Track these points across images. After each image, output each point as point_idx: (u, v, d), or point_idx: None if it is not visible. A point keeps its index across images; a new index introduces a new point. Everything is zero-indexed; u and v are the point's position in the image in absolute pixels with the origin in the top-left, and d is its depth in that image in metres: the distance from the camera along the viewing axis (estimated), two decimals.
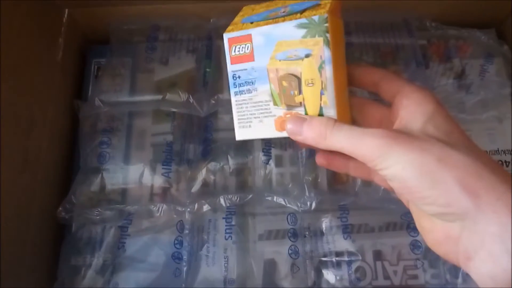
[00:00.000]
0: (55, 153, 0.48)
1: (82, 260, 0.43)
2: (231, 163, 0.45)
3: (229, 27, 0.29)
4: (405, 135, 0.24)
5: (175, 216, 0.44)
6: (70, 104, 0.50)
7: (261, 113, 0.29)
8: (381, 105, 0.30)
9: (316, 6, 0.27)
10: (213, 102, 0.47)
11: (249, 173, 0.46)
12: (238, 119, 0.29)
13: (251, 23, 0.28)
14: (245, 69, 0.28)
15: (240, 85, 0.29)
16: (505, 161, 0.47)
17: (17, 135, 0.41)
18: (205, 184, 0.46)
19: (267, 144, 0.46)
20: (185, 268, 0.43)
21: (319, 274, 0.43)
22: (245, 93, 0.29)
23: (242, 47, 0.28)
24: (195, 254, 0.43)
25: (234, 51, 0.28)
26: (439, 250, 0.25)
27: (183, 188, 0.46)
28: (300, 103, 0.27)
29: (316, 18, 0.25)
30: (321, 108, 0.27)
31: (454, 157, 0.23)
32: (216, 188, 0.46)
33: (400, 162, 0.23)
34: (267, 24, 0.27)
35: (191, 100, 0.47)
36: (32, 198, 0.43)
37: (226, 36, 0.28)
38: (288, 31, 0.26)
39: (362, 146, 0.24)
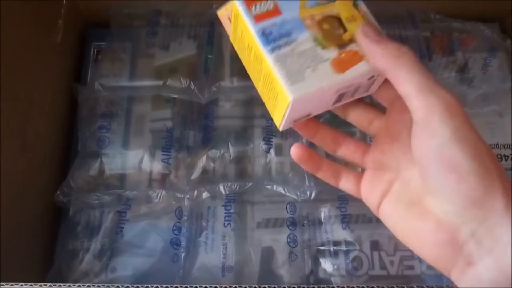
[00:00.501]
0: (53, 136, 0.47)
1: (80, 244, 0.43)
2: (232, 151, 0.45)
3: None
4: (464, 112, 0.23)
5: (174, 202, 0.44)
6: (69, 87, 0.49)
7: (312, 61, 0.25)
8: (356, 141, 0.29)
9: None
10: (215, 89, 0.46)
11: (249, 161, 0.46)
12: (286, 75, 0.25)
13: None
14: (275, 24, 0.26)
15: (274, 40, 0.26)
16: (504, 155, 0.47)
17: (15, 117, 0.41)
18: (204, 171, 0.45)
19: (268, 132, 0.46)
20: (183, 254, 0.43)
21: (316, 262, 0.43)
22: (284, 47, 0.25)
23: (264, 4, 0.26)
24: (194, 240, 0.43)
25: (255, 10, 0.26)
26: (430, 254, 0.24)
27: (182, 174, 0.46)
28: (350, 39, 0.25)
29: None
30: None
31: (492, 165, 0.22)
32: (215, 175, 0.46)
33: (454, 136, 0.22)
34: None
35: (192, 86, 0.46)
36: (30, 181, 0.43)
37: None
38: None
39: (425, 101, 0.22)
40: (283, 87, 0.25)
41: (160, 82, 0.48)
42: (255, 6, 0.26)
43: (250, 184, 0.44)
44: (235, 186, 0.44)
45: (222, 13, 0.28)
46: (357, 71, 0.25)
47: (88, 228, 0.43)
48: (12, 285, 0.31)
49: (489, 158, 0.22)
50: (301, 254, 0.43)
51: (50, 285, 0.31)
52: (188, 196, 0.44)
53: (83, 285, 0.31)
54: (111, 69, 0.49)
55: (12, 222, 0.40)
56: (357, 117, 0.29)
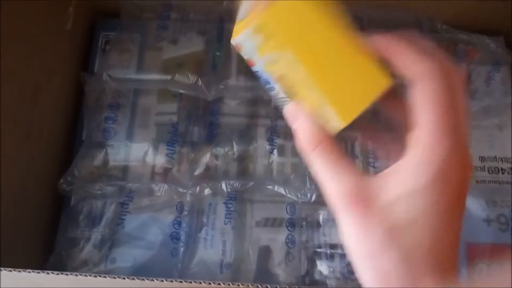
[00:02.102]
0: (58, 124, 0.48)
1: (81, 233, 0.43)
2: (236, 149, 0.46)
3: (233, 33, 0.26)
4: (363, 202, 0.21)
5: (175, 197, 0.45)
6: (76, 75, 0.49)
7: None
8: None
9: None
10: (222, 87, 0.47)
11: (251, 160, 0.47)
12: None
13: (238, 24, 0.25)
14: (257, 71, 0.26)
15: (265, 83, 0.27)
16: (502, 168, 0.48)
17: (22, 102, 0.41)
18: (207, 168, 0.46)
19: (272, 133, 0.47)
20: (182, 249, 0.43)
21: (312, 264, 0.44)
22: (271, 90, 0.27)
23: (243, 53, 0.25)
24: (194, 235, 0.43)
25: (243, 56, 0.26)
26: None
27: (185, 169, 0.46)
28: (302, 102, 0.25)
29: (260, 20, 0.23)
30: (317, 107, 0.24)
31: (382, 260, 0.20)
32: (217, 172, 0.46)
33: (344, 229, 0.22)
34: (241, 29, 0.24)
35: (200, 83, 0.47)
36: (33, 167, 0.43)
37: (232, 42, 0.26)
38: (252, 38, 0.23)
39: (327, 190, 0.22)
40: None
41: (168, 77, 0.48)
42: (241, 53, 0.26)
43: (252, 183, 0.44)
44: (237, 184, 0.44)
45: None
46: None
47: (89, 218, 0.44)
48: (10, 270, 0.31)
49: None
50: (298, 255, 0.44)
51: (48, 273, 0.31)
52: (190, 191, 0.44)
53: (81, 275, 0.32)
54: (118, 60, 0.50)
55: (14, 208, 0.40)
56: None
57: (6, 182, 0.39)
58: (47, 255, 0.43)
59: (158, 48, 0.50)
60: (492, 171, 0.48)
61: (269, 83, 0.26)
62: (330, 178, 0.22)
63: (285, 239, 0.44)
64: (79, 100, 0.50)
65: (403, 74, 0.21)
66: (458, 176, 0.20)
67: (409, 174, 0.20)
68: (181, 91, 0.47)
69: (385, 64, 0.23)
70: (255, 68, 0.26)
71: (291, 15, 0.23)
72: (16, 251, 0.41)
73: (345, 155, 0.23)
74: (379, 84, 0.23)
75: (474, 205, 0.45)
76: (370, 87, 0.23)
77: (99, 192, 0.44)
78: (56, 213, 0.46)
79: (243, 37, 0.24)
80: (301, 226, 0.45)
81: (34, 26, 0.43)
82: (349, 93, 0.23)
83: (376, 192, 0.21)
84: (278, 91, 0.26)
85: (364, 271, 0.21)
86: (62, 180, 0.44)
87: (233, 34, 0.25)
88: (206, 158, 0.45)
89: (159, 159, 0.46)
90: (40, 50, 0.44)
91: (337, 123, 0.23)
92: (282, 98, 0.26)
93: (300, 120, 0.24)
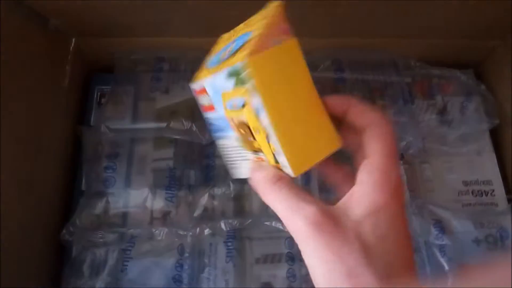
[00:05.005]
0: (58, 176, 0.49)
1: (85, 284, 0.44)
2: (232, 188, 0.48)
3: (197, 73, 0.27)
4: (331, 225, 0.22)
5: (176, 239, 0.46)
6: (73, 129, 0.51)
7: (239, 156, 0.28)
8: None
9: (245, 44, 0.24)
10: None
11: (247, 198, 0.49)
12: (227, 160, 0.29)
13: (208, 69, 0.26)
14: (214, 118, 0.27)
15: (215, 131, 0.28)
16: (484, 191, 0.51)
17: (23, 156, 0.43)
18: (205, 209, 0.47)
19: None
20: None
21: None
22: (222, 139, 0.28)
23: (204, 98, 0.27)
24: (196, 277, 0.44)
25: (201, 101, 0.27)
26: None
27: (183, 212, 0.48)
28: (259, 148, 0.26)
29: (238, 65, 0.23)
30: (274, 154, 0.25)
31: (364, 278, 0.21)
32: (214, 212, 0.48)
33: (314, 257, 0.22)
34: (211, 73, 0.25)
35: (194, 128, 0.49)
36: (34, 220, 0.44)
37: (191, 86, 0.27)
38: (223, 82, 0.24)
39: (291, 222, 0.23)
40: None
41: (163, 124, 0.50)
42: (200, 97, 0.27)
43: (250, 220, 0.46)
44: (235, 222, 0.46)
45: None
46: None
47: (93, 267, 0.44)
48: None
49: (340, 278, 0.21)
50: None
51: None
52: (191, 233, 0.45)
53: None
54: (114, 111, 0.52)
55: (17, 260, 0.41)
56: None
57: (8, 235, 0.39)
58: None
59: (151, 98, 0.53)
60: (476, 194, 0.51)
61: (221, 131, 0.28)
62: (295, 209, 0.23)
63: (286, 274, 0.45)
64: (76, 152, 0.51)
65: (356, 122, 0.25)
66: (402, 189, 0.24)
67: (370, 194, 0.23)
68: (177, 136, 0.49)
69: (341, 121, 0.26)
70: (212, 114, 0.27)
71: (274, 64, 0.24)
72: None
73: (303, 189, 0.25)
74: (332, 145, 0.25)
75: (463, 228, 0.47)
76: (324, 146, 0.25)
77: (101, 240, 0.45)
78: (57, 264, 0.46)
79: (214, 79, 0.25)
80: (300, 260, 0.46)
81: (32, 83, 0.45)
82: (305, 148, 0.25)
83: (343, 212, 0.23)
84: (231, 139, 0.27)
85: None
86: (64, 231, 0.45)
87: (198, 77, 0.27)
88: (204, 199, 0.47)
89: (158, 204, 0.47)
90: (38, 106, 0.46)
91: (290, 173, 0.25)
92: (233, 147, 0.28)
93: (260, 166, 0.26)
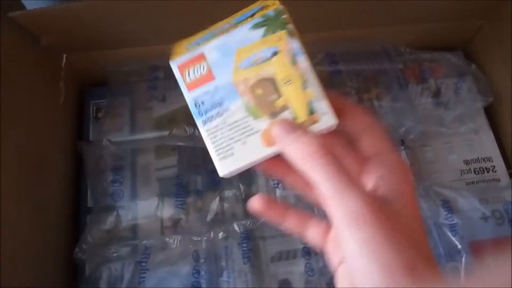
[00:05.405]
0: (63, 193, 0.48)
1: None
2: (242, 189, 0.48)
3: (173, 55, 0.26)
4: (390, 214, 0.21)
5: (190, 246, 0.46)
6: (72, 145, 0.51)
7: (242, 133, 0.25)
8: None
9: (263, 8, 0.25)
10: None
11: None
12: (216, 150, 0.25)
13: (198, 44, 0.25)
14: (207, 92, 0.25)
15: (206, 111, 0.25)
16: (486, 168, 0.52)
17: (27, 178, 0.42)
18: (216, 212, 0.47)
19: None
20: None
21: None
22: (215, 118, 0.25)
23: (197, 69, 0.25)
24: (215, 281, 0.44)
25: (189, 77, 0.25)
26: None
27: (193, 218, 0.48)
28: (284, 106, 0.24)
29: (271, 13, 0.24)
30: (310, 103, 0.24)
31: (425, 272, 0.20)
32: (225, 215, 0.48)
33: (368, 245, 0.20)
34: (217, 36, 0.25)
35: (197, 133, 0.49)
36: (45, 241, 0.44)
37: (173, 63, 0.25)
38: (245, 36, 0.24)
39: (343, 202, 0.21)
40: (214, 161, 0.25)
41: (162, 133, 0.50)
42: (188, 72, 0.25)
43: (262, 220, 0.46)
44: (248, 223, 0.46)
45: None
46: None
47: (110, 282, 0.44)
48: None
49: (400, 270, 0.20)
50: (319, 282, 0.45)
51: None
52: (205, 238, 0.45)
53: None
54: (112, 124, 0.51)
55: (31, 281, 0.40)
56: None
57: (20, 262, 0.39)
58: None
59: (148, 107, 0.53)
60: (478, 172, 0.52)
61: (218, 106, 0.25)
62: (350, 189, 0.21)
63: (304, 268, 0.45)
64: (77, 168, 0.51)
65: (351, 127, 0.25)
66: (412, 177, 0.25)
67: (399, 184, 0.23)
68: (180, 143, 0.49)
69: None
70: (207, 86, 0.25)
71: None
72: None
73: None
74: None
75: (469, 206, 0.48)
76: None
77: (114, 254, 0.44)
78: (71, 284, 0.46)
79: (227, 38, 0.24)
80: (316, 254, 0.46)
81: (30, 103, 0.44)
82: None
83: (388, 203, 0.22)
84: (234, 111, 0.24)
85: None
86: (77, 249, 0.44)
87: (185, 49, 0.25)
88: (215, 203, 0.47)
89: (168, 212, 0.47)
90: (40, 128, 0.45)
91: (329, 120, 0.24)
92: (234, 122, 0.25)
93: (295, 134, 0.23)
